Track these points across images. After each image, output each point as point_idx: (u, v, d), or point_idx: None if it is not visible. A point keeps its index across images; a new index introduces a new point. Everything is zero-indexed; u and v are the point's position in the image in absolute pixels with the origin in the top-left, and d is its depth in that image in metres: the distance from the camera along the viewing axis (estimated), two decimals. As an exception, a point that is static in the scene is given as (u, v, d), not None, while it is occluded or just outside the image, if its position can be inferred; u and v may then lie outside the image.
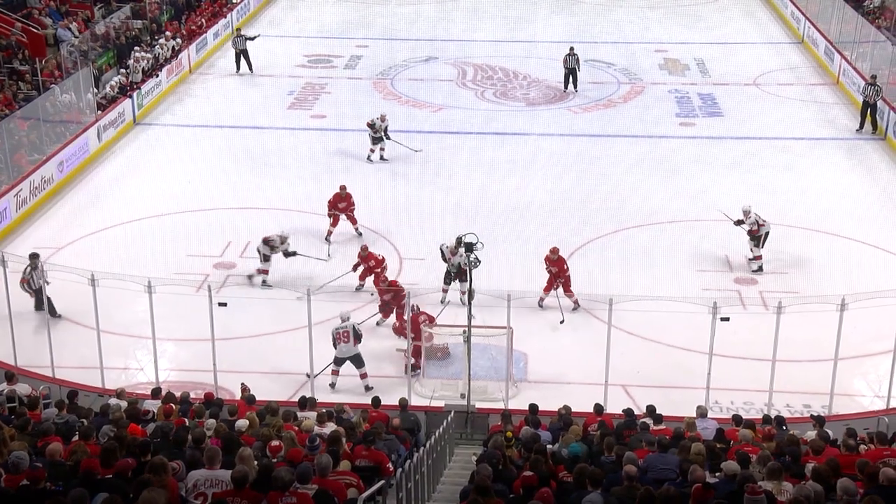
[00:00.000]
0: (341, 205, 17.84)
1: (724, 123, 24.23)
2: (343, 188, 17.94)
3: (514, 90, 26.74)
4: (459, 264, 14.52)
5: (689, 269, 16.87)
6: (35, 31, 23.66)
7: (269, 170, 21.32)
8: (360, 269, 15.90)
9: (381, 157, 21.65)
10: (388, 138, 21.55)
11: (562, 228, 18.33)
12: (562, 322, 15.17)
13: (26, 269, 14.90)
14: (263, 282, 16.30)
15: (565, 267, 15.58)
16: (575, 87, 26.23)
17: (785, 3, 33.89)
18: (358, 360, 13.60)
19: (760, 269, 16.86)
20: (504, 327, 13.24)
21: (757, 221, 16.82)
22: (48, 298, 14.96)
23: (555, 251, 15.58)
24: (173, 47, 26.77)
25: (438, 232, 17.14)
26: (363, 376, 13.65)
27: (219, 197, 19.88)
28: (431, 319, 14.33)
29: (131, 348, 14.57)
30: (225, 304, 12.91)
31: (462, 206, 19.29)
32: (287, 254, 16.40)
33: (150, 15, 28.24)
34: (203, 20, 29.78)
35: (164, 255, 17.14)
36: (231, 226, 18.51)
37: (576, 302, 15.56)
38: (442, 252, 15.79)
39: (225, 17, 31.39)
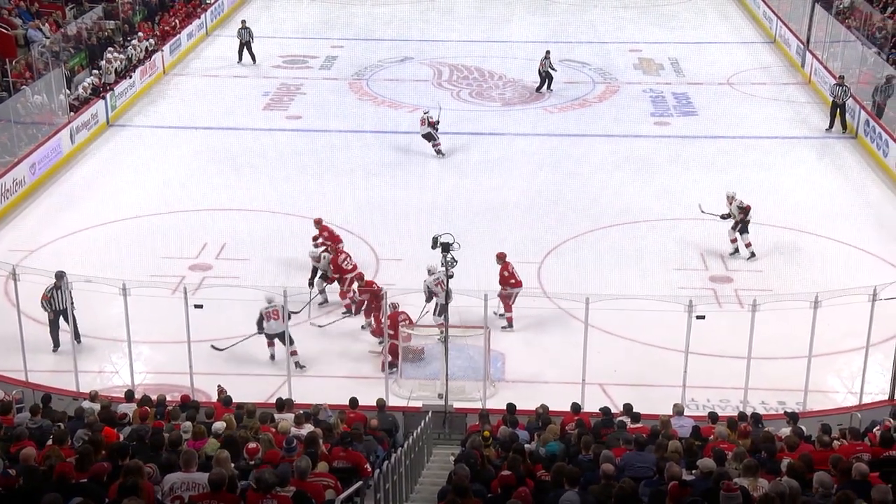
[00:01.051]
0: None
1: (698, 123, 24.39)
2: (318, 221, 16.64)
3: (489, 90, 26.78)
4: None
5: (665, 267, 16.97)
6: (5, 31, 23.44)
7: (244, 171, 21.23)
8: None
9: (439, 152, 21.65)
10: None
11: (538, 228, 18.38)
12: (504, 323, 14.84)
13: (49, 287, 14.06)
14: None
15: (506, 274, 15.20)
16: (550, 88, 26.32)
17: (757, 4, 34.15)
18: (286, 337, 13.67)
19: (753, 254, 17.09)
20: (481, 327, 13.25)
21: (740, 206, 17.07)
22: (74, 320, 13.99)
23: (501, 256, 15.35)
24: (146, 48, 26.60)
25: (415, 232, 17.14)
26: (293, 353, 13.80)
27: (194, 199, 19.78)
28: (410, 320, 14.33)
29: (106, 351, 14.45)
30: (201, 307, 12.84)
31: (438, 206, 19.28)
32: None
33: (122, 15, 28.04)
34: (177, 21, 29.61)
35: (139, 257, 17.03)
36: (206, 228, 18.42)
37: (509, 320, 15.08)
38: (428, 288, 14.59)
39: (199, 17, 31.23)
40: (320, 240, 16.41)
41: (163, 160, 22.01)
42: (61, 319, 14.26)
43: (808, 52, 27.57)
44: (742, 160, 21.91)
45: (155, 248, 17.40)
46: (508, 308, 15.21)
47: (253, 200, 19.68)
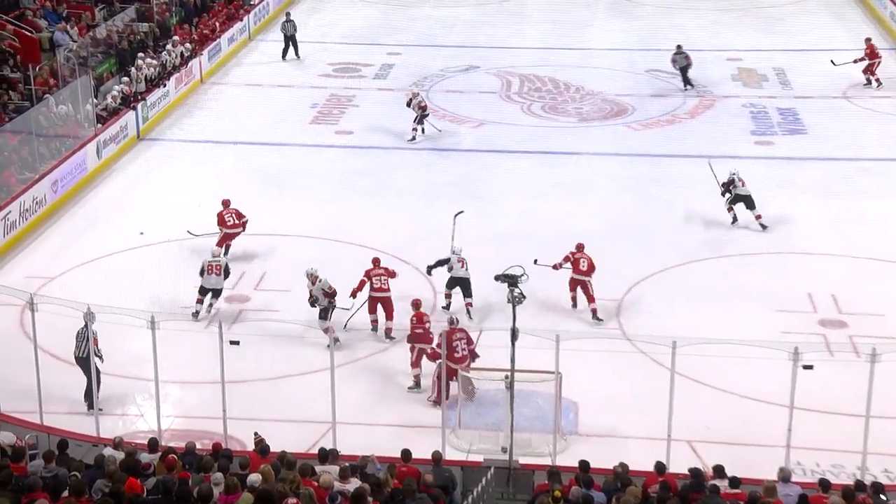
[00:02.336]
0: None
1: (807, 142, 24.09)
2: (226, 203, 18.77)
3: (564, 104, 26.81)
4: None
5: (766, 308, 16.73)
6: (28, 34, 24.14)
7: (288, 192, 21.51)
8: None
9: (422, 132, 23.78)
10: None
11: (618, 260, 18.25)
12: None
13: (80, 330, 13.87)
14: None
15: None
16: (689, 85, 27.50)
17: (883, 3, 33.55)
18: (219, 294, 16.31)
19: (763, 226, 19.31)
20: (551, 372, 13.18)
21: (735, 179, 19.47)
22: (97, 372, 13.87)
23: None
24: (182, 54, 27.19)
25: (478, 262, 17.13)
26: (211, 306, 16.25)
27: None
28: (469, 339, 14.29)
29: (130, 392, 14.68)
30: (237, 343, 12.97)
31: (505, 234, 19.29)
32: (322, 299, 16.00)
33: (157, 18, 28.74)
34: (217, 24, 30.22)
35: (170, 286, 17.31)
36: (245, 254, 18.67)
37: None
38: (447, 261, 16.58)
39: (241, 20, 31.87)
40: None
41: (198, 178, 22.42)
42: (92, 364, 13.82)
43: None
44: (859, 186, 21.56)
45: (187, 277, 17.65)
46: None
47: (297, 224, 19.91)
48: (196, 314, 16.29)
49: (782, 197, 21.13)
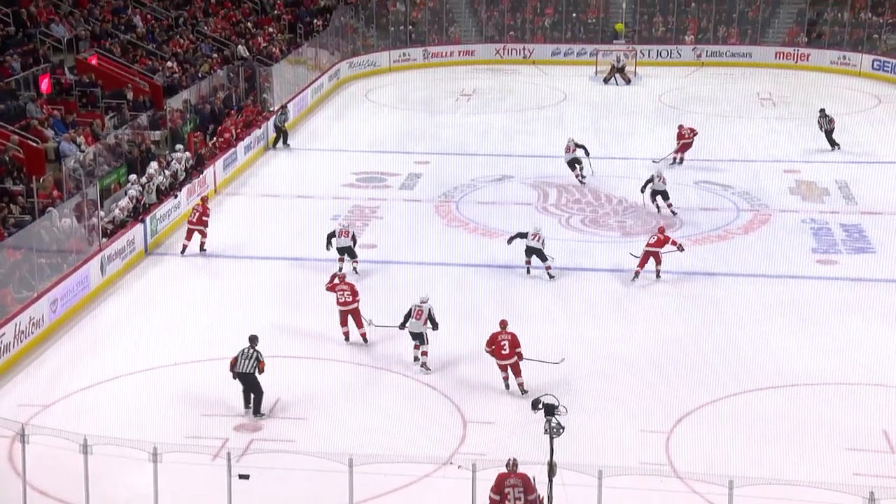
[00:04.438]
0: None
1: (875, 262, 24.00)
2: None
3: (606, 217, 26.97)
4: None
5: (835, 446, 16.44)
6: (34, 144, 24.74)
7: (307, 310, 21.59)
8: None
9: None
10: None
11: (668, 388, 18.11)
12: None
13: None
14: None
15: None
16: (836, 146, 31.63)
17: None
18: (421, 339, 18.88)
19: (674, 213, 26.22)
20: (595, 514, 12.95)
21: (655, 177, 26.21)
22: None
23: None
24: (186, 161, 27.50)
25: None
26: (424, 353, 18.92)
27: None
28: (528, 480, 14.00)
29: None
30: (247, 477, 12.88)
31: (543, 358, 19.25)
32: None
33: (170, 125, 29.40)
34: (234, 131, 30.84)
35: (175, 414, 17.29)
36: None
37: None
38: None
39: (259, 127, 32.54)
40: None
41: (209, 296, 22.58)
42: None
43: None
44: (937, 311, 21.39)
45: (194, 403, 17.67)
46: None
47: (316, 345, 19.95)
48: (419, 361, 19.03)
49: (851, 321, 20.96)
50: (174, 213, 26.17)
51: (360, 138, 34.50)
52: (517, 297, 22.09)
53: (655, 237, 23.05)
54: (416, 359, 19.09)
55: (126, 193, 24.63)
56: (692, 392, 18.08)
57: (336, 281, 20.27)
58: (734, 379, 18.58)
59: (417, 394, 18.17)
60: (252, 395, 17.34)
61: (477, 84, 42.64)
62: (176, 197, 26.22)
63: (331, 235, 23.08)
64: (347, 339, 19.98)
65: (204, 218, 24.54)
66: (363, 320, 19.92)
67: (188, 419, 17.12)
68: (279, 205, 28.18)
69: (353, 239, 23.27)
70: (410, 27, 47.10)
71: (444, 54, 46.56)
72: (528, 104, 39.44)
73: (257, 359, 17.22)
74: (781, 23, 46.79)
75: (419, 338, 19.03)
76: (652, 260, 22.90)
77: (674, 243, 23.07)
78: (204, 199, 25.50)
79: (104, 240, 23.12)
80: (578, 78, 43.15)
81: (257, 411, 17.32)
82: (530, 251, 23.09)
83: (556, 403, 12.57)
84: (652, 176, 26.61)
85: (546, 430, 12.67)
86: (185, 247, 24.47)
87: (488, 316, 21.11)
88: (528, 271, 23.16)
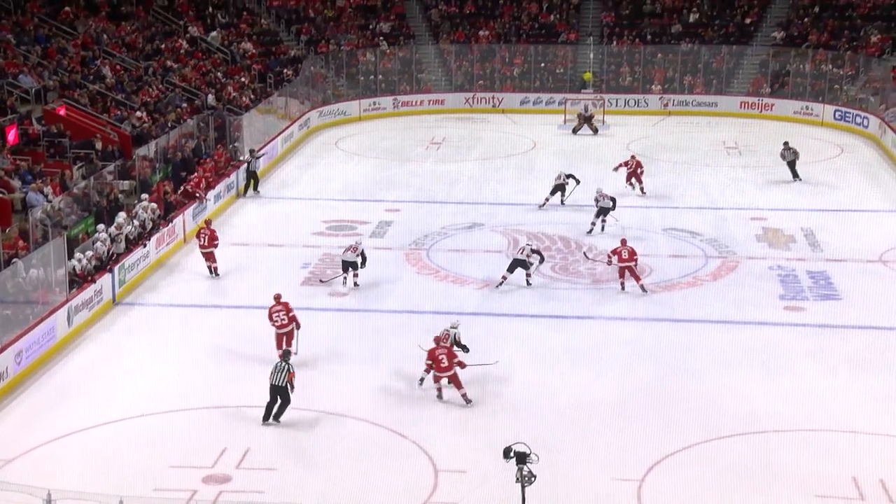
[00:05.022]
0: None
1: (841, 309, 24.16)
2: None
3: (576, 264, 27.05)
4: None
5: (804, 493, 16.46)
6: (0, 195, 24.60)
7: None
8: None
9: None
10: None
11: (638, 436, 18.10)
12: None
13: None
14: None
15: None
16: (798, 178, 33.88)
17: (917, 164, 34.42)
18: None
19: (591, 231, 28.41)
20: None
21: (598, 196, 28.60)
22: None
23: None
24: (153, 210, 27.36)
25: (483, 437, 16.99)
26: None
27: (214, 393, 19.98)
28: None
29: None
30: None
31: (513, 406, 19.22)
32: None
33: (139, 174, 29.32)
34: (204, 180, 30.79)
35: (142, 466, 17.09)
36: (227, 429, 18.54)
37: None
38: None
39: (229, 176, 32.53)
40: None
41: (178, 346, 22.42)
42: None
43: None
44: (901, 358, 21.55)
45: (162, 455, 17.48)
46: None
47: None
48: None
49: (817, 368, 21.05)
50: (142, 263, 26.04)
51: (331, 186, 34.55)
52: (487, 343, 22.04)
53: (626, 251, 24.50)
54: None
55: (94, 244, 24.49)
56: (663, 439, 18.06)
57: (273, 303, 21.36)
58: (704, 426, 18.59)
59: (388, 442, 18.08)
60: (277, 406, 18.56)
61: (447, 132, 42.87)
62: (145, 246, 26.11)
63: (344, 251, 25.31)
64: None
65: (215, 241, 25.96)
66: (294, 344, 21.08)
67: (156, 471, 16.92)
68: (249, 253, 28.09)
69: (362, 256, 24.96)
70: (380, 76, 47.38)
71: (413, 103, 46.85)
72: (498, 152, 39.67)
73: (288, 371, 18.57)
74: (745, 73, 47.47)
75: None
76: (629, 275, 24.54)
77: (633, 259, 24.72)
78: (207, 222, 26.81)
79: (72, 290, 22.94)
80: (547, 126, 43.47)
81: (277, 417, 18.60)
82: (515, 264, 24.81)
83: (528, 451, 12.55)
84: (597, 195, 29.08)
85: (518, 479, 12.64)
86: (213, 269, 26.03)
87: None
88: (499, 285, 24.80)
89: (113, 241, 24.97)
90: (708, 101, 46.52)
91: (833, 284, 25.52)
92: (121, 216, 25.92)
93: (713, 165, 36.96)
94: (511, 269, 24.89)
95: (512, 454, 12.71)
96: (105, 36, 38.72)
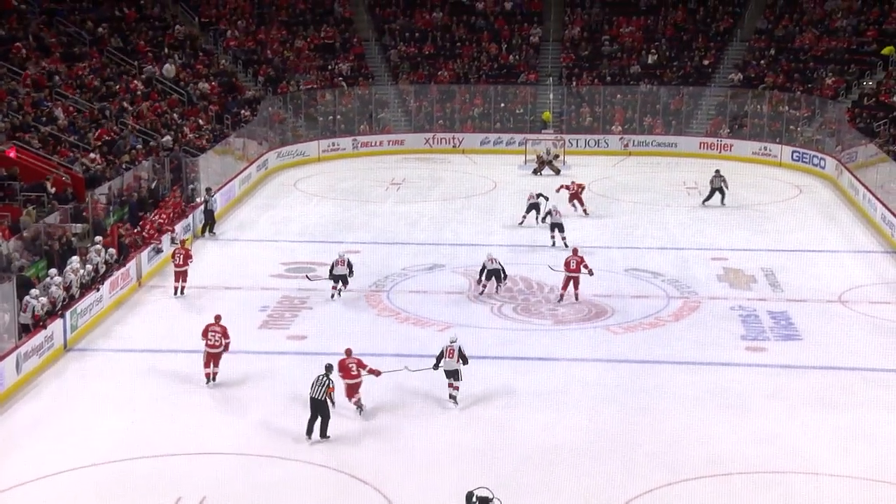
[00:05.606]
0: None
1: (803, 349, 24.26)
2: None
3: (538, 305, 27.02)
4: None
5: (770, 534, 16.43)
6: (-53, 240, 24.22)
7: (234, 405, 21.24)
8: None
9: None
10: None
11: (601, 479, 18.02)
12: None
13: None
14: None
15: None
16: (723, 202, 36.29)
17: (873, 206, 34.72)
18: (456, 375, 20.72)
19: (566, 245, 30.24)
20: None
21: (552, 211, 31.50)
22: None
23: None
24: (107, 253, 27.00)
25: (445, 482, 16.81)
26: (456, 388, 20.79)
27: (170, 440, 19.67)
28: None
29: None
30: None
31: (476, 449, 19.06)
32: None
33: (93, 217, 29.01)
34: (160, 222, 30.56)
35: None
36: (184, 477, 18.21)
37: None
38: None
39: (186, 217, 32.28)
40: None
41: (132, 392, 22.06)
42: None
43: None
44: (862, 398, 21.56)
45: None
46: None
47: (244, 442, 19.52)
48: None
49: (779, 408, 21.09)
50: (96, 308, 25.68)
51: (290, 228, 34.40)
52: (446, 386, 21.92)
53: (574, 261, 26.46)
54: (451, 396, 20.83)
55: (46, 288, 24.13)
56: (627, 482, 17.98)
57: (212, 321, 22.05)
58: (668, 468, 18.53)
59: (347, 486, 17.85)
60: (319, 421, 19.11)
61: (407, 173, 42.92)
62: (98, 290, 25.76)
63: (332, 266, 26.96)
64: (209, 381, 21.75)
65: (189, 260, 27.45)
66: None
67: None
68: (206, 296, 27.80)
69: (349, 266, 26.98)
70: (339, 116, 47.42)
71: (373, 143, 46.92)
72: (458, 193, 39.73)
73: (327, 385, 19.18)
74: (704, 114, 48.00)
75: (454, 375, 20.75)
76: (570, 283, 26.54)
77: (586, 266, 26.64)
78: (182, 242, 28.55)
79: (22, 336, 22.55)
80: (508, 167, 43.67)
81: (324, 434, 19.16)
82: (489, 274, 26.81)
83: (491, 496, 12.45)
84: (550, 210, 31.82)
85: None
86: (179, 289, 27.36)
87: (419, 405, 21.02)
88: (481, 293, 27.07)
89: (64, 285, 24.60)
90: (668, 141, 47.02)
91: (794, 325, 25.63)
92: (73, 260, 25.57)
93: (674, 206, 37.21)
94: (488, 278, 26.94)
95: (475, 499, 12.59)
96: (57, 77, 38.41)
